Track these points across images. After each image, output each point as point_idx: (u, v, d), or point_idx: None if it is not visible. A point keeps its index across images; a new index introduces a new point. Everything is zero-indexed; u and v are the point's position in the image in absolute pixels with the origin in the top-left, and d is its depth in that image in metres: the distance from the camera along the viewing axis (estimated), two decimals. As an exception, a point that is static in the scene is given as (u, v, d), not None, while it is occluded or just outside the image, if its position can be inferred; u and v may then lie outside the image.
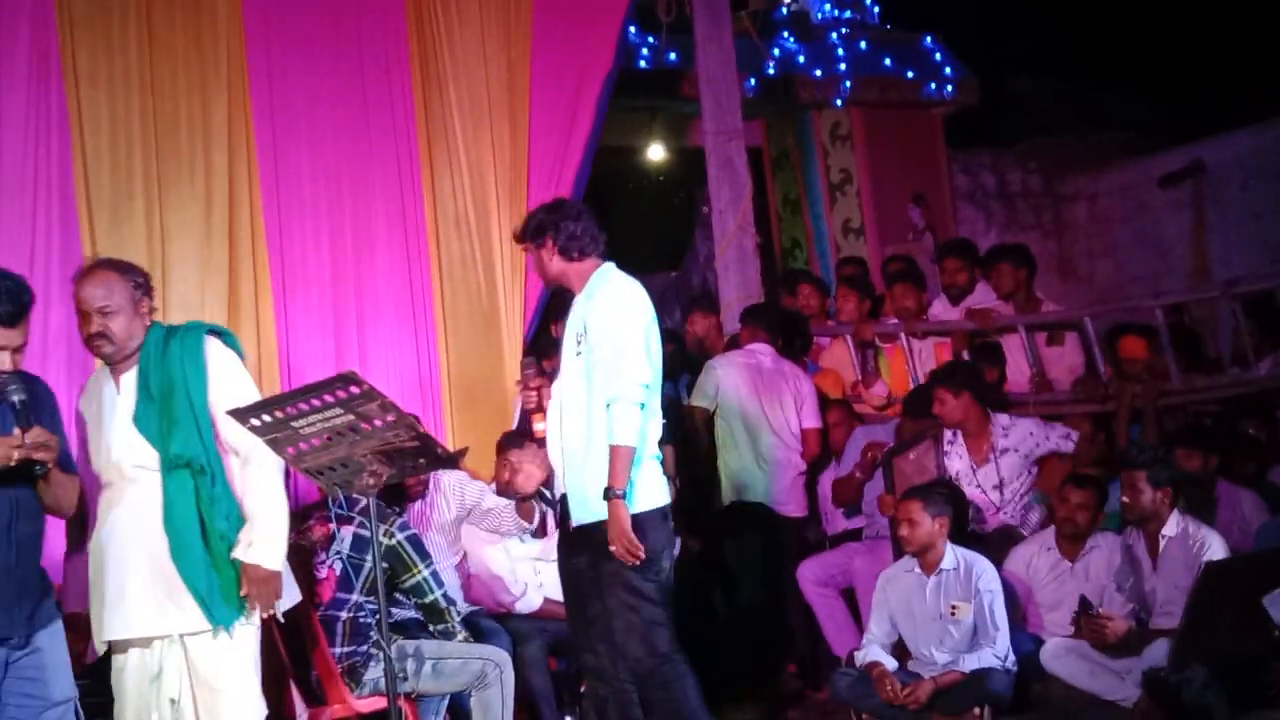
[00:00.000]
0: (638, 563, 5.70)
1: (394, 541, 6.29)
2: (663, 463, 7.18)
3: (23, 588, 4.90)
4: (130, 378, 5.27)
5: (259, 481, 5.28)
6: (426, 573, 6.40)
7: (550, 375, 6.25)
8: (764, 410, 8.60)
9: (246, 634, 5.28)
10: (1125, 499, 7.21)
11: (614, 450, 5.66)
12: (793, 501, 8.65)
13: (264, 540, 5.24)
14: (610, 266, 6.00)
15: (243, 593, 5.22)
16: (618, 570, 5.72)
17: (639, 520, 5.71)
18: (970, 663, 7.11)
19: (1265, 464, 8.34)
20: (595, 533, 5.75)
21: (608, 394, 5.70)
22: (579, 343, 5.83)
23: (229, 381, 5.29)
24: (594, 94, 8.78)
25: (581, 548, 5.83)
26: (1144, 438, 8.38)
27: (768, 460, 8.58)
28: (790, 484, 8.63)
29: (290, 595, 5.48)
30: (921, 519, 7.31)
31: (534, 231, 5.98)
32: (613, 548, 5.66)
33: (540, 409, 6.08)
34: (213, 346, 5.34)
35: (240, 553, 5.21)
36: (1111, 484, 7.97)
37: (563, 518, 5.96)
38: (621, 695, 5.85)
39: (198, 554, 5.15)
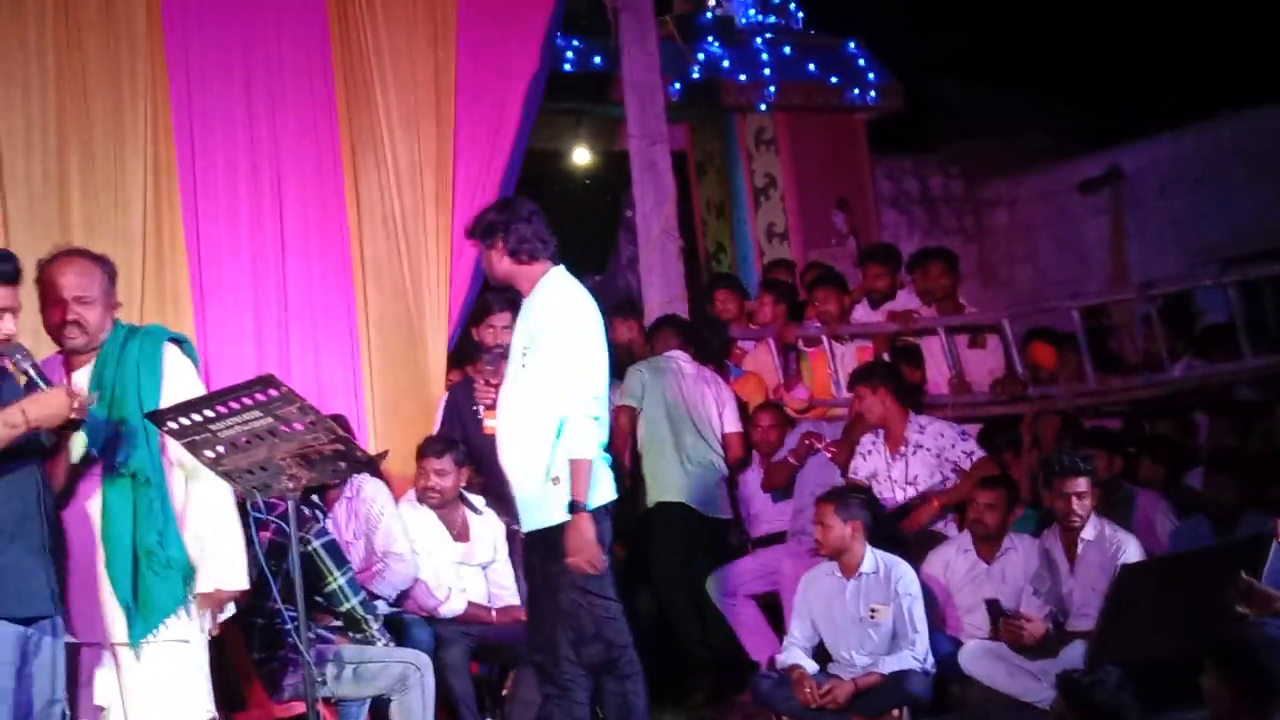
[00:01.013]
0: (596, 573, 5.76)
1: (310, 549, 6.24)
2: None
3: (52, 569, 4.88)
4: (84, 374, 5.20)
5: (210, 499, 5.25)
6: (343, 580, 6.35)
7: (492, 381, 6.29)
8: (689, 413, 8.64)
9: (181, 646, 5.20)
10: (1074, 507, 7.26)
11: (575, 465, 5.72)
12: (717, 504, 8.69)
13: (225, 565, 5.26)
14: (559, 272, 6.02)
15: (200, 608, 5.22)
16: (564, 570, 5.76)
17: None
18: (889, 665, 7.16)
19: (1178, 467, 8.44)
20: (541, 538, 5.84)
21: (561, 410, 5.75)
22: (524, 354, 5.87)
23: (184, 392, 5.19)
24: (520, 95, 8.78)
25: (530, 553, 5.99)
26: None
27: (693, 463, 8.62)
28: (715, 486, 8.68)
29: (228, 606, 5.44)
30: (833, 522, 7.35)
31: (484, 231, 5.98)
32: (573, 559, 5.70)
33: (495, 406, 6.10)
34: (171, 354, 5.28)
35: (204, 584, 5.20)
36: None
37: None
38: (566, 696, 5.87)
39: (128, 566, 5.09)
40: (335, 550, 6.40)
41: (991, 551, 7.71)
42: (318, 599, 6.37)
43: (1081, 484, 7.24)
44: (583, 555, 5.70)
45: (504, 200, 6.29)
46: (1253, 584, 5.74)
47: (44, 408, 4.75)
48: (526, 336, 5.89)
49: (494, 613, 7.35)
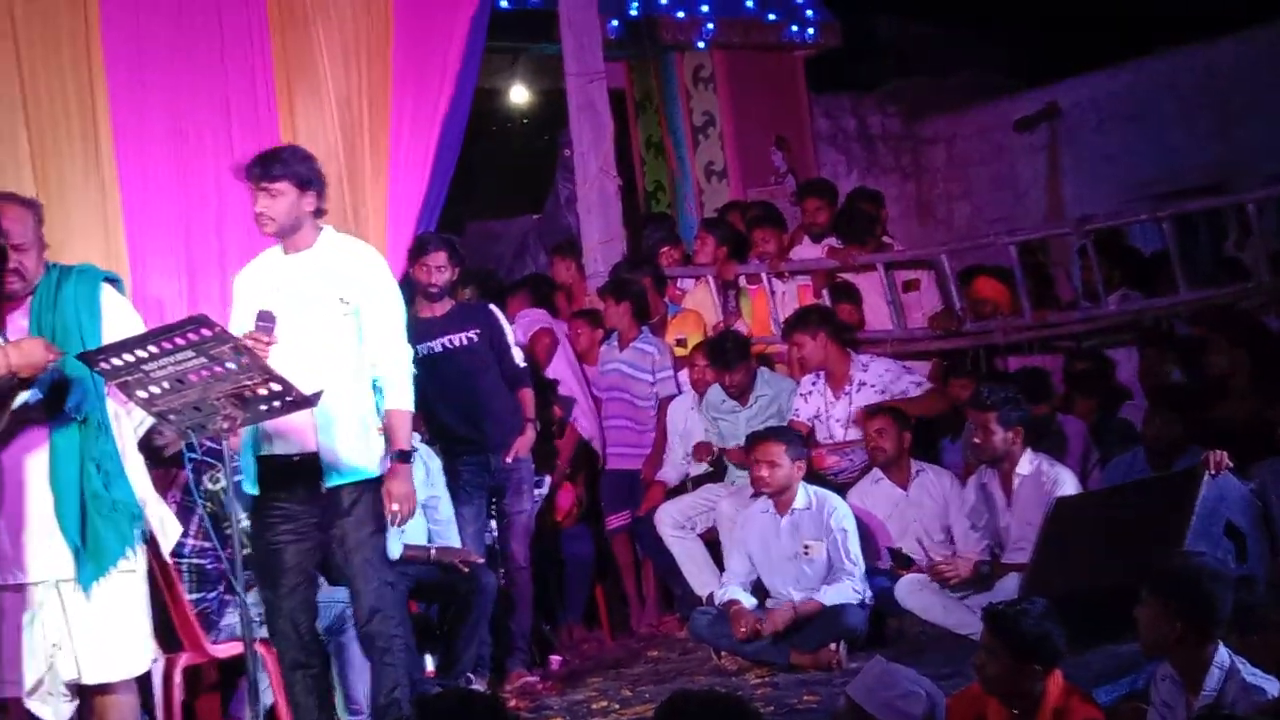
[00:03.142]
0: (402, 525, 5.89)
1: (218, 487, 6.17)
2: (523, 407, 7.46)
3: None
4: (18, 317, 5.14)
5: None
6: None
7: None
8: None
9: (127, 580, 5.17)
10: (977, 440, 7.35)
11: (402, 416, 5.80)
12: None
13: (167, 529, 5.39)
14: (331, 229, 5.95)
15: None
16: (379, 521, 5.78)
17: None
18: (830, 596, 7.22)
19: (1109, 401, 8.51)
20: (356, 490, 5.75)
21: (394, 362, 5.81)
22: (344, 302, 5.74)
23: (125, 332, 5.13)
24: (463, 31, 8.73)
25: (335, 509, 5.77)
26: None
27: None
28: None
29: (173, 529, 5.44)
30: (783, 461, 7.41)
31: (306, 179, 5.76)
32: (396, 507, 5.73)
33: None
34: (108, 294, 5.24)
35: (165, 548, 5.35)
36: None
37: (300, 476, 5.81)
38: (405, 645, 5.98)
39: (75, 510, 5.05)
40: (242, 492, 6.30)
41: (904, 478, 7.82)
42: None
43: (987, 419, 7.27)
44: (406, 504, 5.76)
45: (306, 151, 5.99)
46: None
47: (26, 356, 4.84)
48: (347, 285, 5.75)
49: (433, 551, 7.33)
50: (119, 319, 5.22)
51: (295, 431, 5.70)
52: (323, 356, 5.69)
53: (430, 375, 7.48)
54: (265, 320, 5.53)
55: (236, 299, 5.92)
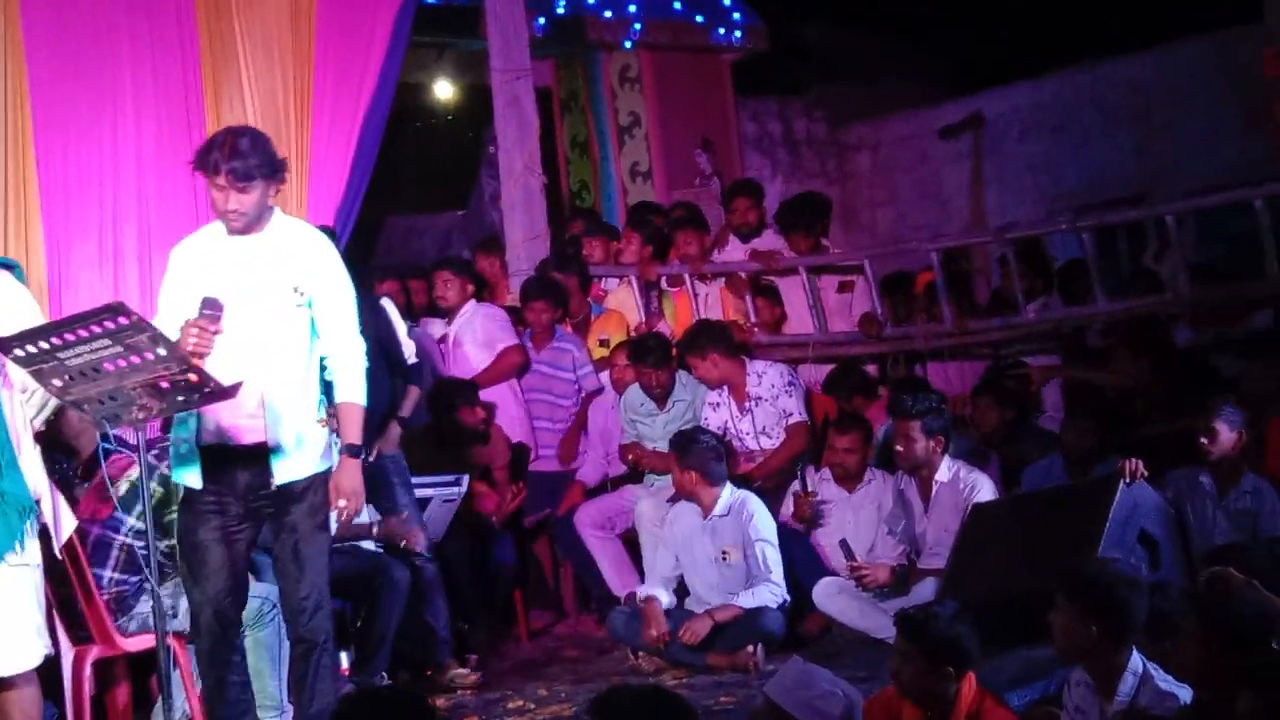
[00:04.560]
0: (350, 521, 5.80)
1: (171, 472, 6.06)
2: None
3: None
4: None
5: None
6: None
7: None
8: None
9: (17, 574, 5.01)
10: (899, 448, 7.37)
11: (355, 409, 5.58)
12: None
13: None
14: (279, 209, 5.71)
15: None
16: (325, 518, 5.65)
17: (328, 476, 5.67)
18: (747, 600, 7.22)
19: (1025, 410, 8.57)
20: (298, 489, 5.58)
21: (348, 354, 5.60)
22: (297, 292, 5.52)
23: (18, 319, 4.99)
24: (388, 24, 8.68)
25: (286, 501, 5.58)
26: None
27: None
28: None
29: (68, 522, 5.31)
30: (700, 489, 7.43)
31: (275, 168, 5.48)
32: (345, 503, 5.55)
33: (202, 355, 5.37)
34: (3, 280, 5.10)
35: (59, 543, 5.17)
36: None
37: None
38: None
39: None
40: None
41: (854, 485, 7.86)
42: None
43: (910, 427, 7.31)
44: (355, 501, 5.59)
45: (264, 135, 5.67)
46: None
47: None
48: (299, 274, 5.52)
49: (375, 529, 7.10)
50: (13, 306, 5.06)
51: (242, 424, 5.51)
52: (271, 347, 5.49)
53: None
54: (212, 309, 5.30)
55: (173, 274, 5.60)
